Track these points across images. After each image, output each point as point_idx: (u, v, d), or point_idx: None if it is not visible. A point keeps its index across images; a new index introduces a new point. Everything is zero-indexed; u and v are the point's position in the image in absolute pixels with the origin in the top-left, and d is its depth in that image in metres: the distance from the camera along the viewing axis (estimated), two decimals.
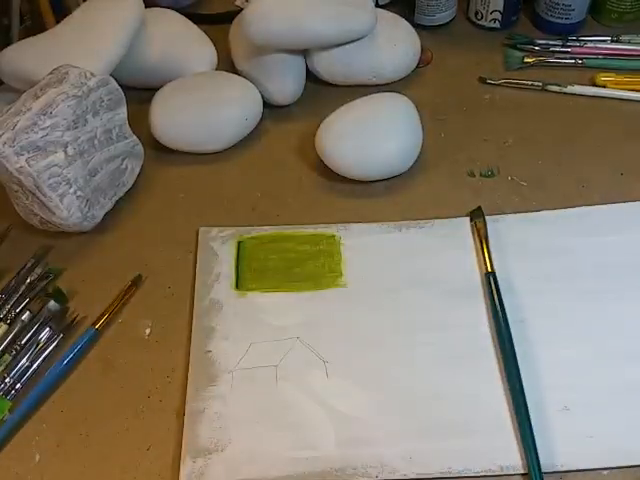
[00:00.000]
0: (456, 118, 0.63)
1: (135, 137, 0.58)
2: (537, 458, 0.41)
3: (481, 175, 0.58)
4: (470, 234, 0.53)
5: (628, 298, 0.49)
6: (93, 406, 0.46)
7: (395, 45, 0.63)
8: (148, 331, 0.50)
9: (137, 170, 0.59)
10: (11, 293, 0.51)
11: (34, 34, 0.63)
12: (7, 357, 0.48)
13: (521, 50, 0.67)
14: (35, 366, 0.48)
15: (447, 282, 0.51)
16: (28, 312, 0.50)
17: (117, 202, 0.57)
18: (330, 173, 0.58)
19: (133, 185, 0.58)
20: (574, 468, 0.42)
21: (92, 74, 0.53)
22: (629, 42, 0.67)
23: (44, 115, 0.50)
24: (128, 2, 0.60)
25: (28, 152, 0.49)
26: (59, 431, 0.45)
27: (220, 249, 0.54)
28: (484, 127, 0.62)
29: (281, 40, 0.59)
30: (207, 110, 0.58)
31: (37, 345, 0.48)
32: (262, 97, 0.62)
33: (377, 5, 0.69)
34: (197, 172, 0.60)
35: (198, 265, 0.53)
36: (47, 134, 0.50)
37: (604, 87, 0.63)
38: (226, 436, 0.44)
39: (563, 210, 0.55)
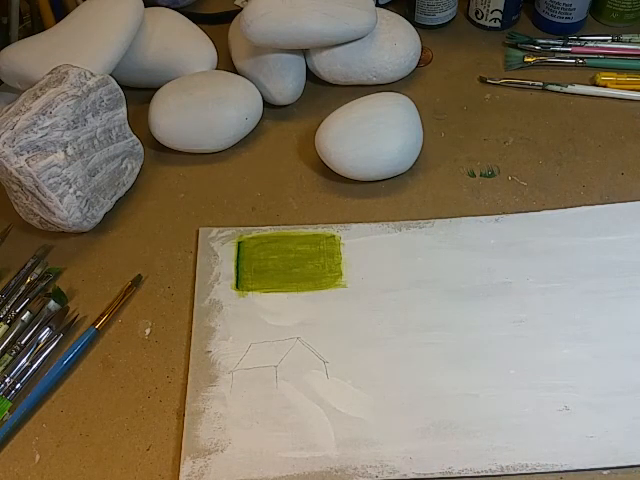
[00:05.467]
0: (456, 118, 0.63)
1: (135, 137, 0.58)
2: None
3: (481, 175, 0.58)
4: (469, 234, 0.53)
5: (628, 298, 0.49)
6: (93, 406, 0.46)
7: (395, 45, 0.63)
8: (148, 331, 0.50)
9: (137, 170, 0.59)
10: (11, 293, 0.51)
11: (33, 34, 0.63)
12: (7, 357, 0.48)
13: (522, 50, 0.67)
14: (35, 366, 0.47)
15: (447, 282, 0.51)
16: (28, 312, 0.50)
17: (117, 202, 0.57)
18: (330, 173, 0.57)
19: (133, 185, 0.58)
20: (574, 468, 0.42)
21: (92, 74, 0.53)
22: (630, 42, 0.67)
23: (44, 115, 0.50)
24: (128, 2, 0.60)
25: (28, 152, 0.49)
26: (59, 431, 0.45)
27: (220, 249, 0.54)
28: (484, 127, 0.62)
29: (281, 40, 0.59)
30: (207, 110, 0.58)
31: (37, 345, 0.48)
32: (262, 97, 0.62)
33: (377, 4, 0.69)
34: (197, 172, 0.60)
35: (198, 265, 0.53)
36: (47, 134, 0.50)
37: (605, 87, 0.63)
38: (226, 436, 0.44)
39: (563, 210, 0.55)
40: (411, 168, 0.58)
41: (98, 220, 0.55)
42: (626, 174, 0.57)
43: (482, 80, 0.66)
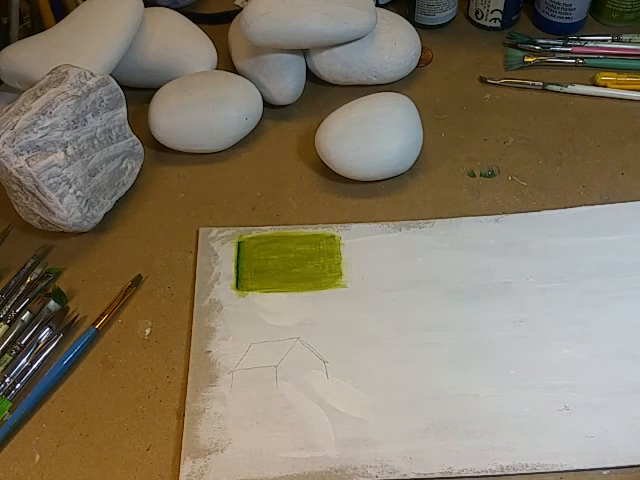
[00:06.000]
0: (456, 118, 0.63)
1: (135, 137, 0.58)
2: None
3: (481, 175, 0.58)
4: (469, 234, 0.53)
5: (628, 298, 0.49)
6: (93, 406, 0.46)
7: (395, 45, 0.63)
8: (148, 331, 0.50)
9: (137, 170, 0.59)
10: (11, 293, 0.51)
11: (33, 34, 0.63)
12: (7, 357, 0.48)
13: (522, 50, 0.67)
14: (35, 366, 0.47)
15: (447, 282, 0.51)
16: (28, 312, 0.50)
17: (117, 202, 0.57)
18: (330, 173, 0.57)
19: (133, 185, 0.58)
20: (574, 468, 0.42)
21: (92, 74, 0.53)
22: (630, 42, 0.67)
23: (44, 115, 0.50)
24: (128, 2, 0.60)
25: (28, 152, 0.49)
26: (59, 431, 0.45)
27: (220, 249, 0.54)
28: (484, 127, 0.62)
29: (281, 40, 0.59)
30: (207, 110, 0.58)
31: (37, 345, 0.48)
32: (262, 97, 0.62)
33: (377, 4, 0.69)
34: (197, 172, 0.60)
35: (198, 265, 0.53)
36: (47, 134, 0.50)
37: (605, 87, 0.63)
38: (226, 436, 0.44)
39: (563, 210, 0.55)
40: (411, 168, 0.58)
41: (98, 220, 0.55)
42: (626, 174, 0.57)
43: (482, 80, 0.66)
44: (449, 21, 0.71)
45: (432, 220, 0.54)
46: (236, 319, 0.50)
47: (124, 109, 0.56)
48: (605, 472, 0.42)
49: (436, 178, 0.58)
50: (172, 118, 0.59)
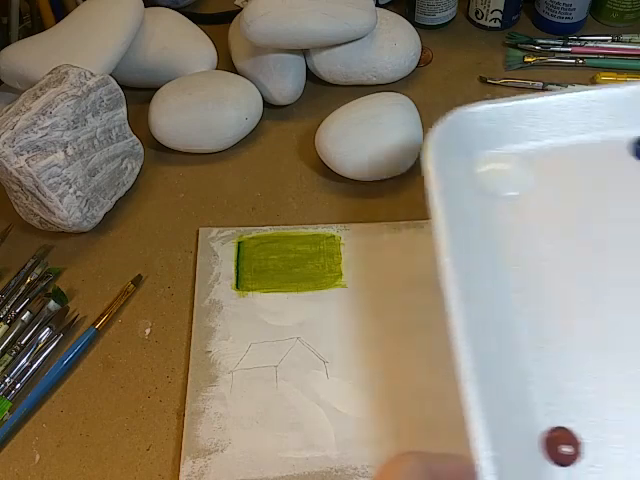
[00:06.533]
0: None
1: (135, 137, 0.58)
2: None
3: None
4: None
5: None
6: (93, 406, 0.46)
7: (395, 45, 0.63)
8: (148, 331, 0.50)
9: (137, 170, 0.59)
10: (11, 293, 0.51)
11: (33, 34, 0.63)
12: (7, 357, 0.48)
13: (522, 50, 0.67)
14: (35, 366, 0.47)
15: None
16: (28, 312, 0.50)
17: (117, 202, 0.57)
18: (330, 173, 0.57)
19: (133, 185, 0.58)
20: None
21: (92, 74, 0.53)
22: (630, 42, 0.67)
23: (44, 115, 0.50)
24: (128, 2, 0.60)
25: (28, 152, 0.49)
26: (59, 431, 0.45)
27: (220, 249, 0.54)
28: None
29: (281, 40, 0.59)
30: (207, 110, 0.58)
31: (37, 345, 0.48)
32: (262, 97, 0.62)
33: (377, 4, 0.69)
34: (197, 172, 0.60)
35: (198, 265, 0.53)
36: (47, 134, 0.50)
37: None
38: (226, 436, 0.44)
39: None
40: (411, 168, 0.58)
41: (98, 220, 0.55)
42: None
43: (482, 80, 0.66)
44: (449, 21, 0.71)
45: None
46: (236, 319, 0.50)
47: (124, 109, 0.56)
48: None
49: None
50: (172, 118, 0.59)
